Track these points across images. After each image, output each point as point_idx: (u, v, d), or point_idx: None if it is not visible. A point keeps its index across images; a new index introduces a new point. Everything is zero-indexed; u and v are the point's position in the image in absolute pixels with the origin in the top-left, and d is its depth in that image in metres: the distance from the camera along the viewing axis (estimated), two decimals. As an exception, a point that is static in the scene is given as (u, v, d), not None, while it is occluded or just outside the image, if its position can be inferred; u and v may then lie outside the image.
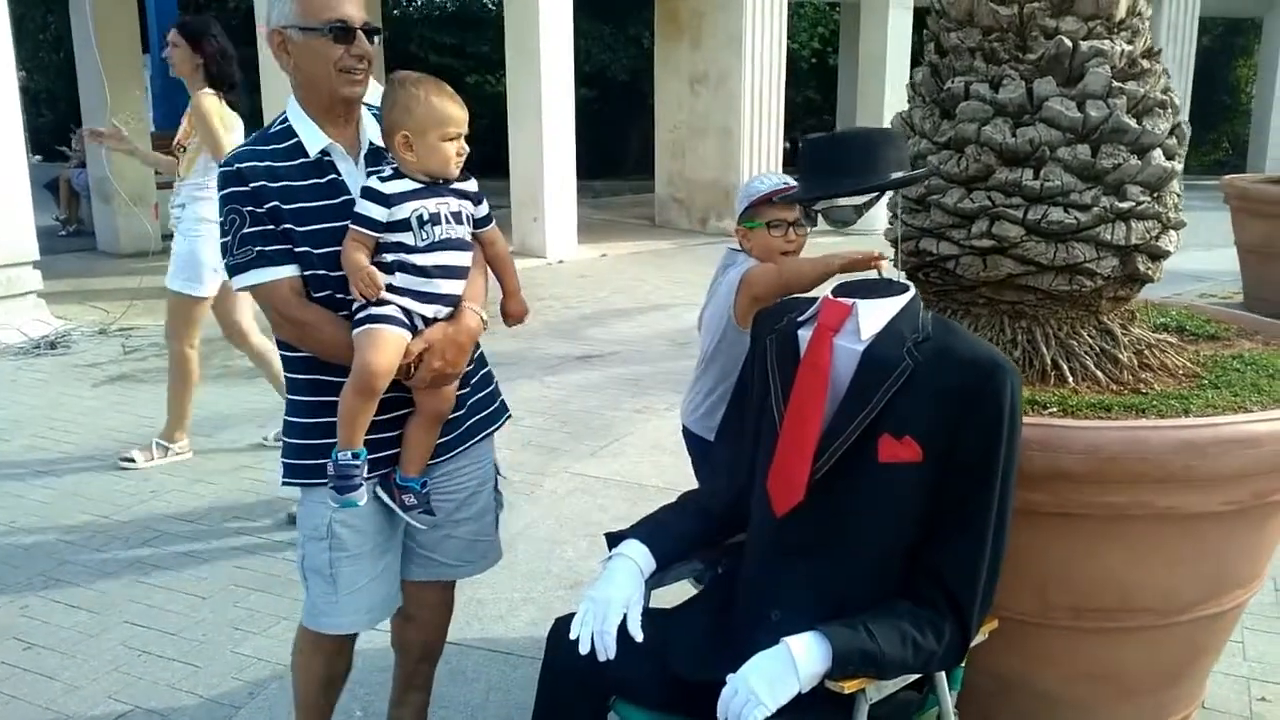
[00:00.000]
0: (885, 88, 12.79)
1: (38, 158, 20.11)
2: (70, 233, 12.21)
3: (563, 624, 2.03)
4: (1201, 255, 10.34)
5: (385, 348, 2.07)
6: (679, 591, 2.31)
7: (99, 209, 10.95)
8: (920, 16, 14.04)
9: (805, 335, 2.02)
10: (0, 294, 7.19)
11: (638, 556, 2.05)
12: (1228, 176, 8.35)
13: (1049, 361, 2.47)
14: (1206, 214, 12.44)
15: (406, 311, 2.11)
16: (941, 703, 1.97)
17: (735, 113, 12.05)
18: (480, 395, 2.42)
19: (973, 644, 1.95)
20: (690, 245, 11.65)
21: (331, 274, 2.12)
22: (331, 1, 2.10)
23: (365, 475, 2.14)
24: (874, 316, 1.95)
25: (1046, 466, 2.14)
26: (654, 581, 2.13)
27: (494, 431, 2.47)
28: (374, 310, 2.09)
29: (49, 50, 19.70)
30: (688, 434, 2.80)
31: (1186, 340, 2.84)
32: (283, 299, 2.12)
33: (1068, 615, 2.34)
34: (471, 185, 2.22)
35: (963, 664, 2.02)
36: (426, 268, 2.12)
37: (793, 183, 2.55)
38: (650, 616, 2.14)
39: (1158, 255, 2.53)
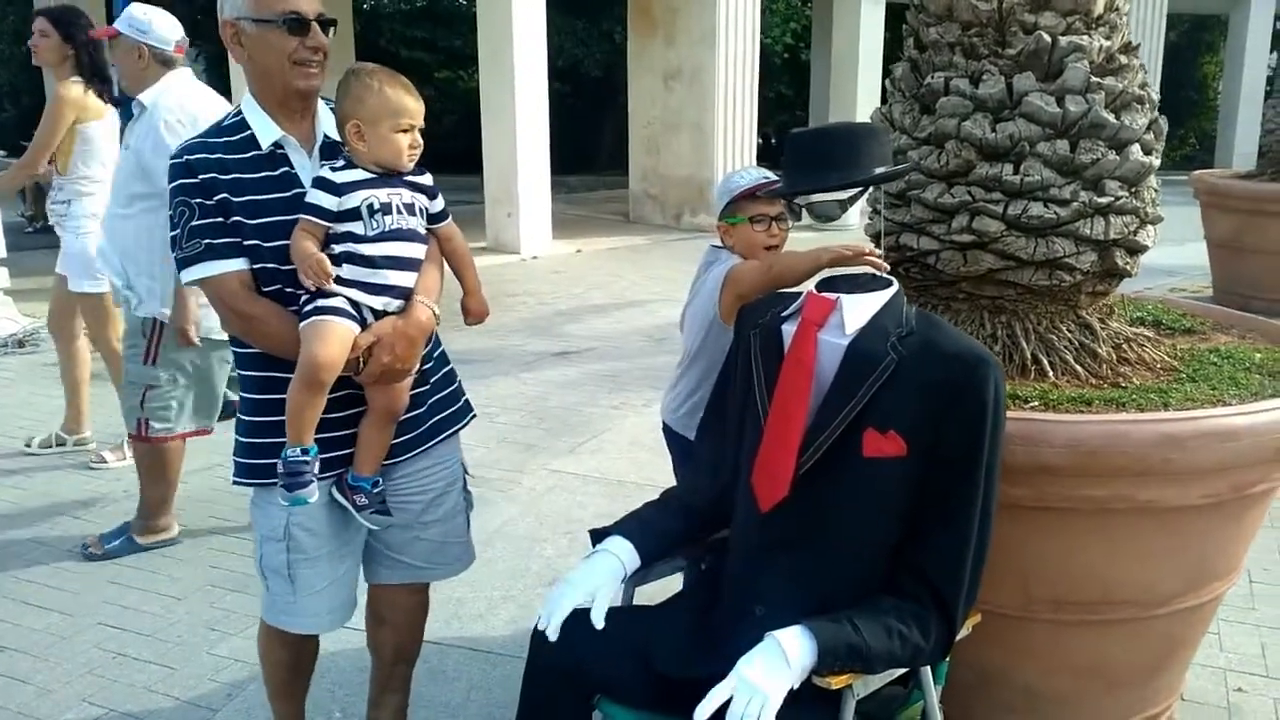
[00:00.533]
0: (858, 83, 12.84)
1: (2, 154, 19.83)
2: (37, 229, 12.03)
3: (546, 623, 2.02)
4: (1172, 250, 10.42)
5: (331, 340, 2.03)
6: (663, 587, 2.30)
7: (66, 205, 10.78)
8: (893, 12, 14.10)
9: (789, 330, 2.01)
10: (-34, 292, 7.08)
11: (621, 552, 2.04)
12: (1197, 172, 8.44)
13: (1029, 356, 2.48)
14: (1176, 209, 12.57)
15: (354, 304, 2.08)
16: (926, 697, 1.97)
17: (709, 108, 12.07)
18: (442, 394, 2.38)
19: (957, 638, 1.96)
20: (665, 241, 11.64)
21: (282, 268, 2.09)
22: None
23: (317, 474, 2.09)
24: (858, 311, 1.95)
25: (1028, 460, 2.15)
26: (638, 578, 2.12)
27: (458, 431, 2.43)
28: (320, 303, 2.05)
29: (10, 43, 19.39)
30: (669, 432, 2.79)
31: (1163, 334, 2.86)
32: (231, 292, 2.09)
33: (1049, 608, 2.35)
34: (426, 179, 2.19)
35: (947, 658, 2.02)
36: (374, 258, 2.08)
37: (773, 177, 2.54)
38: (634, 614, 2.14)
39: (1136, 250, 2.54)
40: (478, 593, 3.45)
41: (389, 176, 2.12)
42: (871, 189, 2.58)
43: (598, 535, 2.12)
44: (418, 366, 2.21)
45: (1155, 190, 2.57)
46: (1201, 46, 22.81)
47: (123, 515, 4.17)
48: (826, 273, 2.10)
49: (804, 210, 2.06)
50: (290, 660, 2.45)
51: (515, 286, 8.79)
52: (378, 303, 2.11)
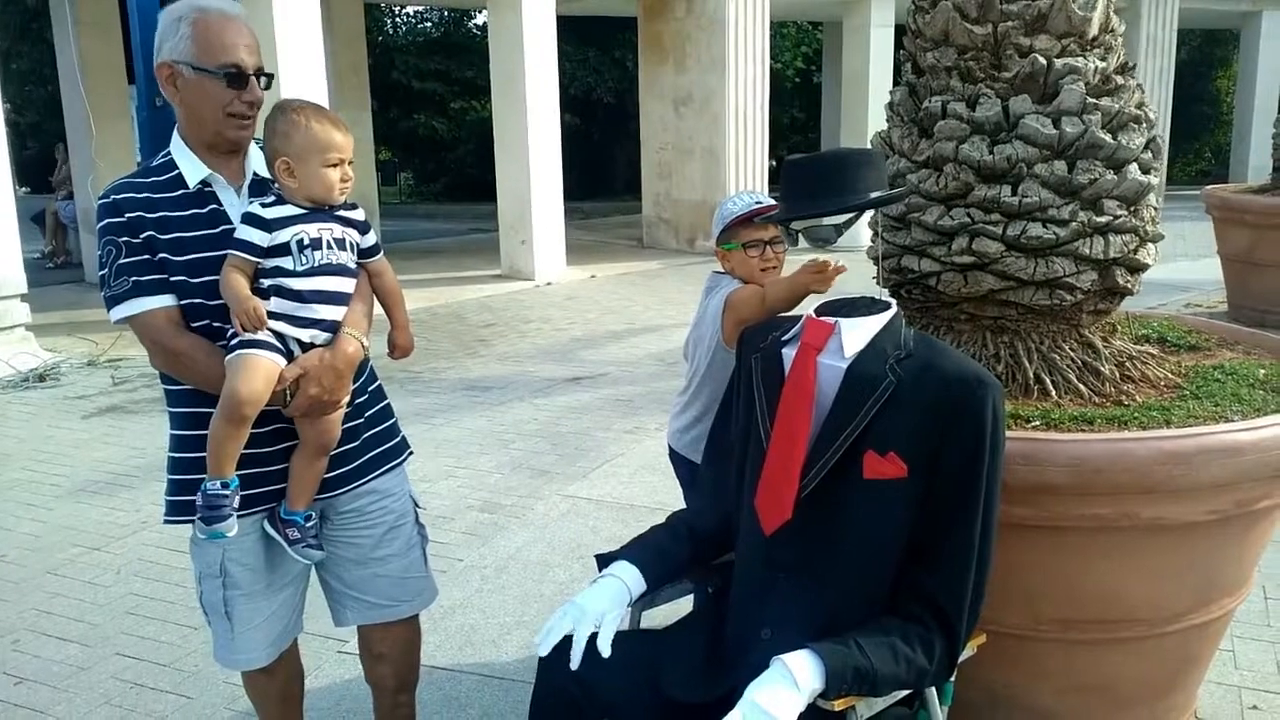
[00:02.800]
0: (868, 106, 12.89)
1: (25, 190, 20.14)
2: (58, 265, 12.22)
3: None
4: (1186, 265, 10.43)
5: (255, 374, 2.03)
6: (671, 611, 2.31)
7: (87, 240, 10.96)
8: (903, 34, 14.11)
9: (789, 354, 2.03)
10: (-12, 327, 7.19)
11: (627, 577, 2.05)
12: (1209, 187, 8.42)
13: (1031, 376, 2.50)
14: (1191, 224, 12.58)
15: (280, 336, 2.08)
16: (932, 718, 1.98)
17: (720, 133, 12.14)
18: (377, 429, 2.37)
19: (961, 659, 1.97)
20: (678, 265, 11.69)
21: (209, 303, 2.10)
22: (228, 45, 2.10)
23: (236, 507, 2.09)
24: (856, 334, 1.97)
25: (1031, 480, 2.16)
26: (645, 603, 2.14)
27: (399, 465, 2.42)
28: (246, 336, 2.05)
29: (35, 84, 19.73)
30: (675, 456, 2.81)
31: (1168, 351, 2.86)
32: (158, 328, 2.10)
33: (1058, 628, 2.36)
34: (359, 214, 2.21)
35: (953, 679, 2.03)
36: (303, 292, 2.10)
37: (766, 201, 2.57)
38: (641, 638, 2.15)
39: (1136, 268, 2.55)
40: (490, 619, 3.47)
41: (320, 211, 2.13)
42: (871, 213, 2.61)
43: (604, 560, 2.14)
44: (347, 399, 2.20)
45: (1155, 209, 2.58)
46: (1214, 61, 22.79)
47: (141, 545, 4.22)
48: (825, 297, 2.12)
49: (800, 235, 2.09)
50: (275, 690, 2.45)
51: (530, 313, 8.84)
52: (305, 335, 2.11)
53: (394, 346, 2.30)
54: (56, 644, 3.45)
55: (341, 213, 2.17)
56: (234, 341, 2.07)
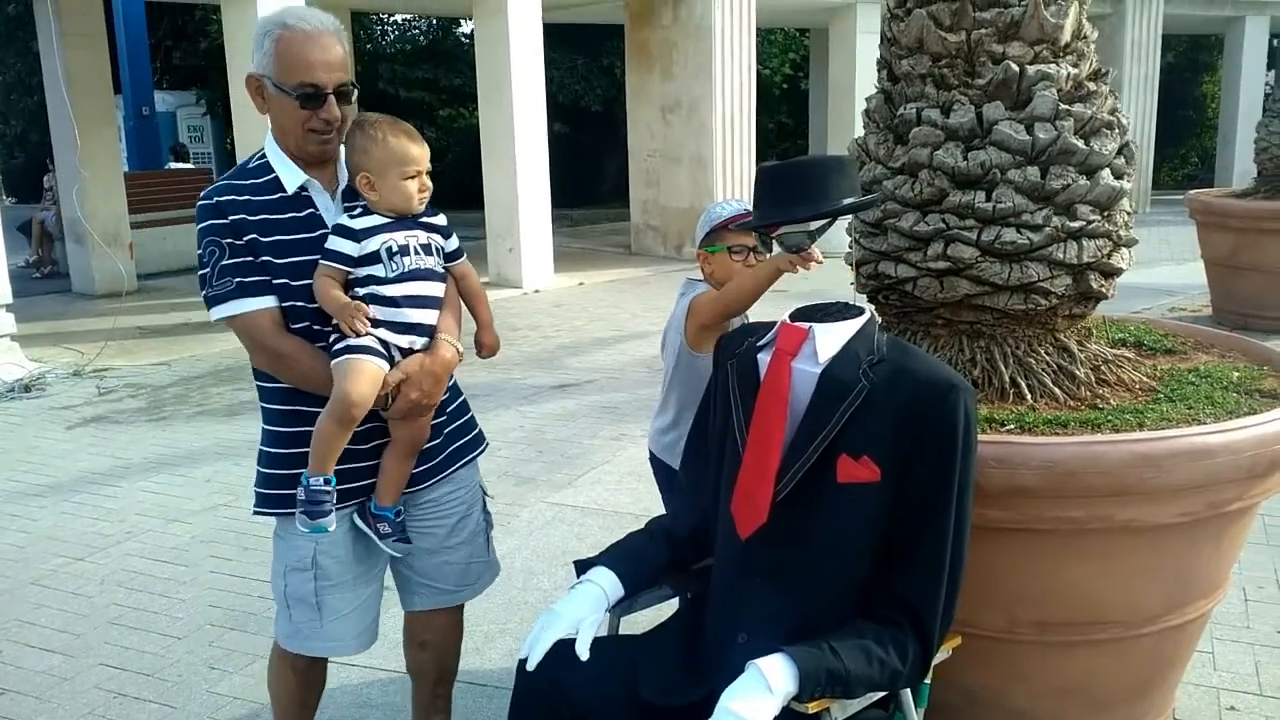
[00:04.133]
0: (855, 112, 12.88)
1: (11, 200, 20.08)
2: (44, 274, 12.18)
3: (531, 652, 2.04)
4: (1171, 269, 10.49)
5: (363, 378, 2.12)
6: (655, 615, 2.32)
7: (72, 250, 10.93)
8: (888, 41, 14.16)
9: (765, 359, 2.05)
10: (-27, 338, 7.17)
11: (604, 583, 2.07)
12: (1192, 191, 8.48)
13: (1007, 380, 2.51)
14: (1175, 229, 12.64)
15: (384, 343, 2.16)
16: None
17: (708, 140, 12.17)
18: (457, 424, 2.46)
19: (935, 661, 1.98)
20: (666, 272, 11.70)
21: (309, 305, 2.17)
22: (302, 65, 2.12)
23: (335, 503, 2.17)
24: (830, 339, 1.98)
25: (1005, 483, 2.17)
26: (624, 608, 2.15)
27: (475, 458, 2.52)
28: (352, 341, 2.13)
29: (21, 94, 19.69)
30: (655, 460, 2.83)
31: (1144, 355, 2.89)
32: (262, 329, 2.16)
33: (1034, 630, 2.37)
34: (440, 219, 2.28)
35: (928, 681, 2.04)
36: (397, 298, 2.17)
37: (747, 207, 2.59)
38: (619, 642, 2.16)
39: (1110, 273, 2.58)
40: (474, 626, 3.47)
41: (404, 219, 2.21)
42: (849, 218, 2.63)
43: (582, 566, 2.15)
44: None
45: (1128, 214, 2.60)
46: (1199, 66, 22.90)
47: (125, 555, 4.22)
48: (799, 303, 2.14)
49: (774, 242, 2.10)
50: (300, 693, 2.50)
51: (517, 320, 8.84)
52: (404, 341, 2.20)
53: (481, 346, 2.40)
54: (39, 654, 3.45)
55: (425, 219, 2.25)
56: (340, 345, 2.14)
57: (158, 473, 5.29)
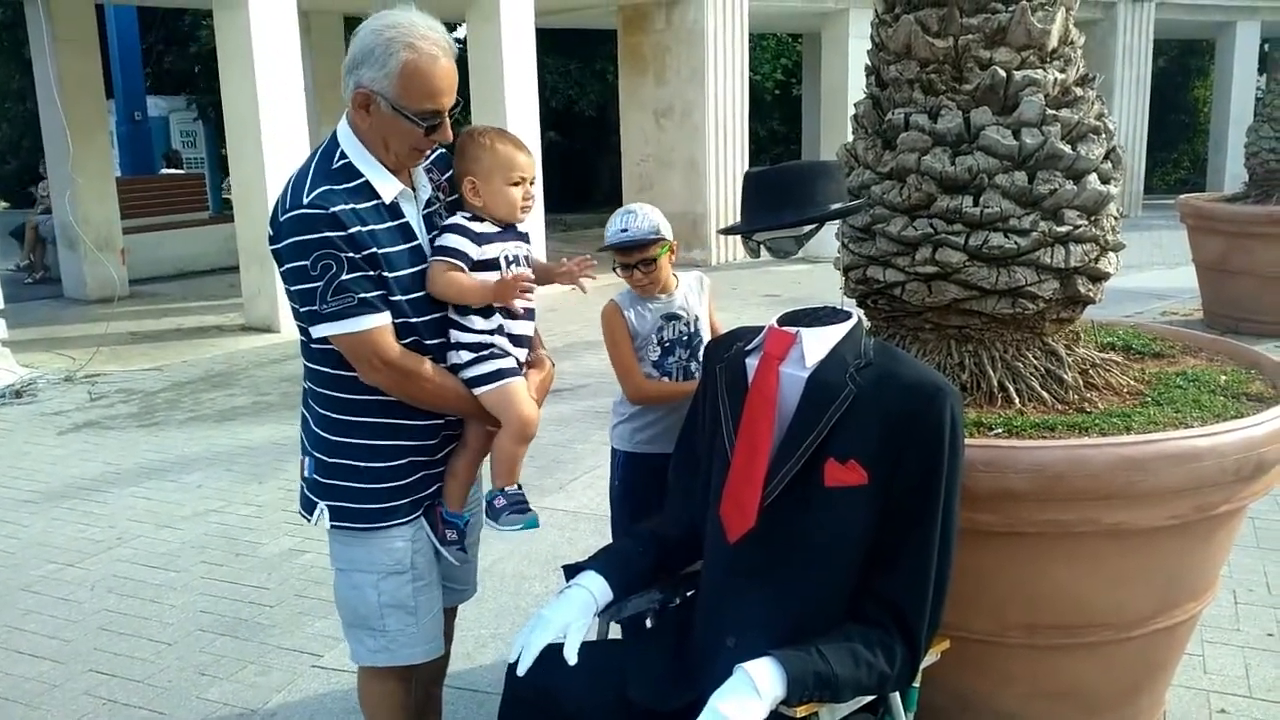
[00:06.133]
0: (848, 117, 12.93)
1: (4, 205, 20.04)
2: (36, 280, 12.15)
3: (520, 657, 2.04)
4: (1162, 273, 10.52)
5: (526, 397, 2.21)
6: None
7: (65, 255, 10.91)
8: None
9: (753, 364, 2.06)
10: (-36, 344, 7.15)
11: (593, 586, 2.07)
12: (1183, 196, 8.51)
13: (996, 384, 2.52)
14: (1168, 233, 12.68)
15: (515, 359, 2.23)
16: (897, 723, 2.00)
17: (700, 145, 12.20)
18: None
19: (924, 664, 1.98)
20: (659, 276, 11.69)
21: (419, 319, 2.14)
22: (431, 92, 2.04)
23: (416, 511, 2.26)
24: (817, 344, 1.99)
25: (993, 486, 2.18)
26: (613, 612, 2.15)
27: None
28: (500, 365, 2.18)
29: (14, 100, 19.66)
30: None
31: (1132, 359, 2.90)
32: (389, 346, 2.09)
33: (1023, 633, 2.38)
34: (526, 231, 2.30)
35: (917, 684, 2.05)
36: (518, 310, 2.22)
37: (636, 231, 2.68)
38: (607, 647, 2.17)
39: (1098, 277, 2.59)
40: (465, 632, 3.46)
41: (512, 229, 2.24)
42: (839, 224, 2.64)
43: (571, 570, 2.16)
44: None
45: (1115, 218, 2.61)
46: (1191, 71, 22.99)
47: (116, 561, 4.21)
48: (778, 305, 2.15)
49: (761, 247, 2.11)
50: (404, 701, 2.40)
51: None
52: (521, 354, 2.25)
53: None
54: (29, 661, 3.44)
55: (520, 229, 2.28)
56: (487, 369, 2.18)
57: (149, 478, 5.28)
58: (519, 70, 10.37)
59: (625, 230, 2.69)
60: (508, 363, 2.19)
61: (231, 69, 8.58)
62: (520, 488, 2.27)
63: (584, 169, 19.38)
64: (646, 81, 12.64)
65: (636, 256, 2.70)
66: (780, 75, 19.32)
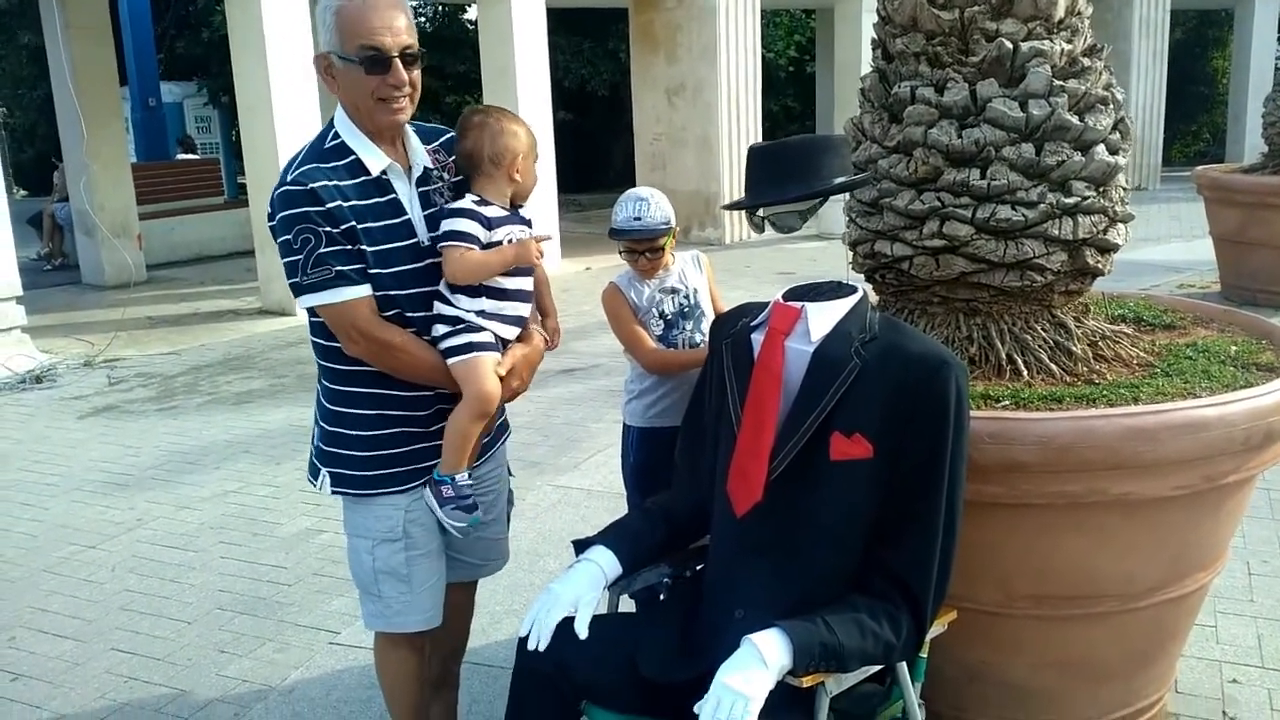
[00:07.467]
0: (861, 92, 12.87)
1: (22, 193, 20.16)
2: (55, 267, 12.23)
3: (531, 631, 2.07)
4: (1180, 246, 10.44)
5: (491, 373, 2.20)
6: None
7: (82, 242, 10.98)
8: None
9: (759, 339, 2.07)
10: (-16, 330, 7.22)
11: (602, 561, 2.09)
12: (1200, 167, 8.43)
13: (1004, 356, 2.52)
14: (1186, 205, 12.57)
15: (495, 335, 2.23)
16: (905, 695, 2.01)
17: (713, 123, 12.15)
18: None
19: (931, 635, 2.00)
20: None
21: (401, 293, 2.18)
22: (363, 29, 2.08)
23: (412, 482, 2.28)
24: (822, 318, 2.00)
25: (1001, 458, 2.18)
26: (623, 586, 2.17)
27: (507, 438, 2.59)
28: (473, 338, 2.19)
29: (29, 87, 19.74)
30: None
31: (1143, 330, 2.89)
32: (365, 318, 2.15)
33: (1031, 604, 2.38)
34: (528, 213, 2.32)
35: (924, 655, 2.06)
36: (510, 291, 2.24)
37: (650, 220, 2.72)
38: (618, 620, 2.19)
39: (1107, 249, 2.58)
40: (481, 608, 3.48)
41: (516, 212, 2.27)
42: (846, 198, 2.64)
43: (581, 545, 2.18)
44: None
45: (1124, 189, 2.60)
46: (1209, 42, 22.72)
47: (136, 543, 4.26)
48: (791, 283, 2.15)
49: (765, 222, 2.11)
50: (418, 671, 2.47)
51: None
52: (510, 333, 2.27)
53: (552, 333, 2.45)
54: (52, 640, 3.49)
55: (521, 213, 2.30)
56: (458, 342, 2.19)
57: (168, 461, 5.34)
58: (530, 50, 10.35)
59: (639, 219, 2.73)
60: (481, 337, 2.20)
61: (243, 54, 8.60)
62: (470, 476, 2.26)
63: (597, 149, 19.33)
64: (658, 59, 12.59)
65: (646, 245, 2.75)
66: (794, 52, 19.19)
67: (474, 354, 2.19)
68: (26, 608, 3.74)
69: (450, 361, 2.19)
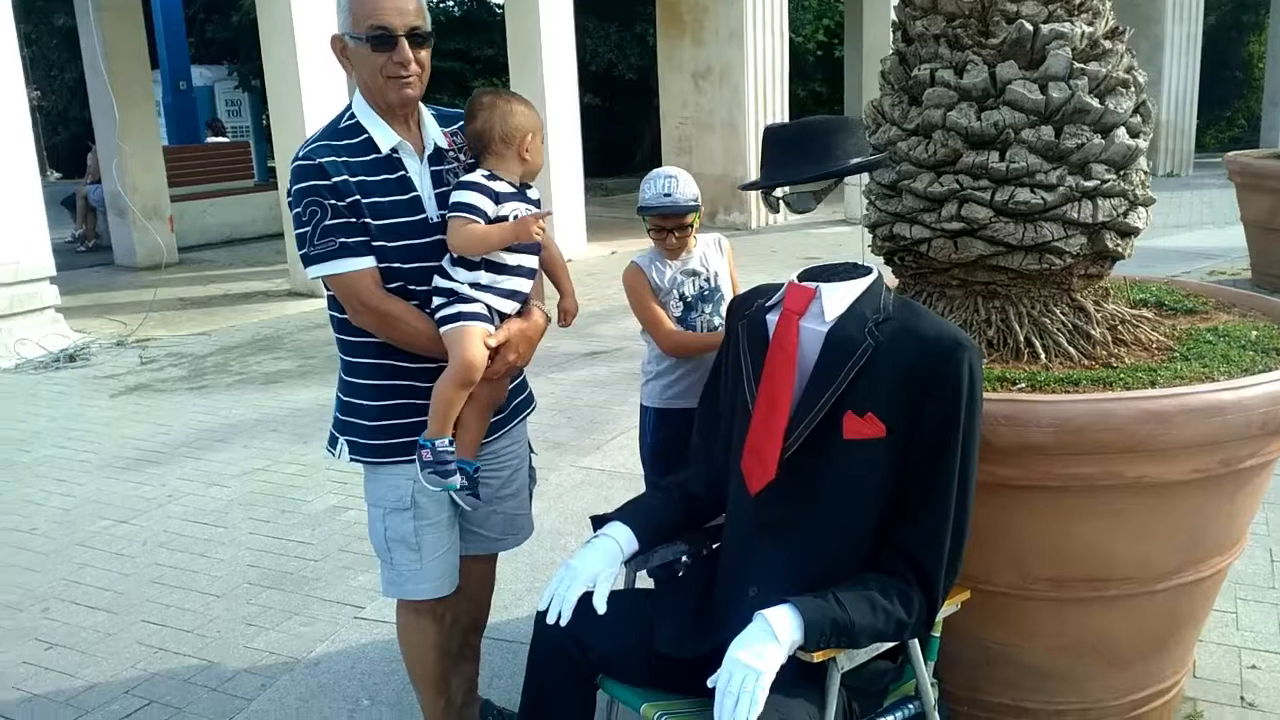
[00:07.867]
0: (887, 76, 12.78)
1: (56, 175, 20.40)
2: (88, 248, 12.40)
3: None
4: (1214, 233, 10.32)
5: (478, 342, 2.23)
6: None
7: (115, 223, 11.12)
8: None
9: (773, 319, 2.09)
10: (20, 309, 7.34)
11: (619, 536, 2.12)
12: (1231, 153, 8.33)
13: (1022, 340, 2.53)
14: (1219, 192, 12.42)
15: (489, 307, 2.27)
16: (917, 672, 2.03)
17: (740, 107, 12.12)
18: (516, 382, 2.57)
19: (943, 615, 2.02)
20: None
21: (405, 266, 2.25)
22: (373, 9, 2.17)
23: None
24: (837, 299, 2.02)
25: (1016, 440, 2.19)
26: (639, 562, 2.20)
27: (528, 415, 2.63)
28: (464, 308, 2.23)
29: (61, 70, 19.95)
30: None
31: (1164, 315, 2.88)
32: (367, 289, 2.22)
33: (1048, 586, 2.39)
34: (534, 192, 2.37)
35: (937, 634, 2.08)
36: (510, 265, 2.28)
37: (680, 196, 2.75)
38: (634, 596, 2.22)
39: (1127, 232, 2.57)
40: (502, 585, 3.53)
41: (523, 190, 2.32)
42: (865, 181, 2.65)
43: (599, 521, 2.21)
44: None
45: (1145, 173, 2.59)
46: (1245, 27, 22.34)
47: (167, 518, 4.34)
48: (806, 264, 2.17)
49: (780, 202, 2.13)
50: (437, 639, 2.51)
51: (549, 289, 8.89)
52: (506, 306, 2.31)
53: (564, 312, 2.50)
54: (85, 611, 3.58)
55: (528, 192, 2.35)
56: (450, 311, 2.24)
57: (198, 439, 5.43)
58: (557, 34, 10.35)
59: (669, 195, 2.76)
60: (473, 308, 2.24)
61: (272, 39, 8.67)
62: (451, 444, 2.28)
63: (624, 133, 19.31)
64: (684, 43, 12.56)
65: (674, 222, 2.77)
66: (822, 36, 19.06)
67: (462, 323, 2.23)
68: (60, 580, 3.83)
69: (441, 330, 2.24)
